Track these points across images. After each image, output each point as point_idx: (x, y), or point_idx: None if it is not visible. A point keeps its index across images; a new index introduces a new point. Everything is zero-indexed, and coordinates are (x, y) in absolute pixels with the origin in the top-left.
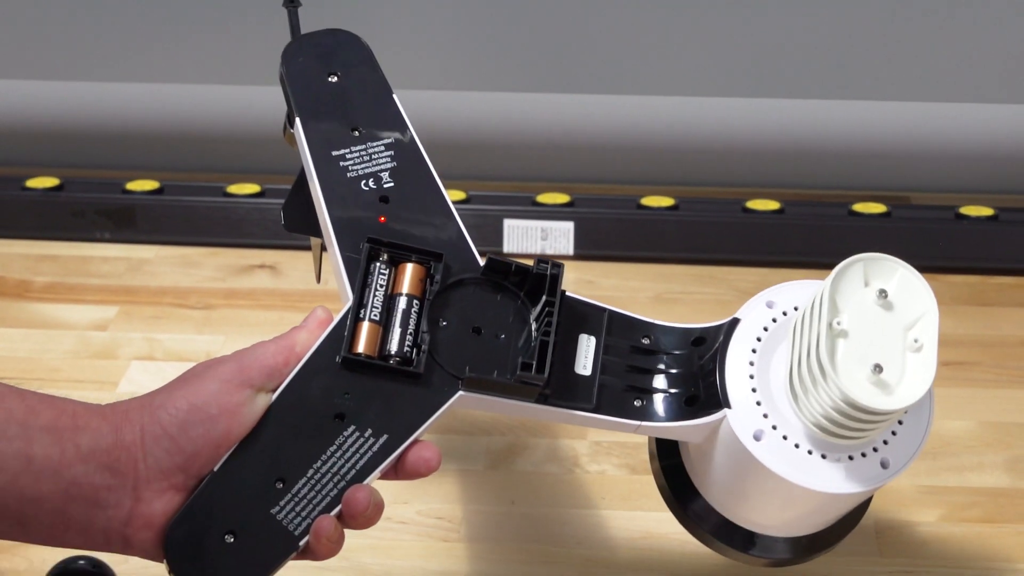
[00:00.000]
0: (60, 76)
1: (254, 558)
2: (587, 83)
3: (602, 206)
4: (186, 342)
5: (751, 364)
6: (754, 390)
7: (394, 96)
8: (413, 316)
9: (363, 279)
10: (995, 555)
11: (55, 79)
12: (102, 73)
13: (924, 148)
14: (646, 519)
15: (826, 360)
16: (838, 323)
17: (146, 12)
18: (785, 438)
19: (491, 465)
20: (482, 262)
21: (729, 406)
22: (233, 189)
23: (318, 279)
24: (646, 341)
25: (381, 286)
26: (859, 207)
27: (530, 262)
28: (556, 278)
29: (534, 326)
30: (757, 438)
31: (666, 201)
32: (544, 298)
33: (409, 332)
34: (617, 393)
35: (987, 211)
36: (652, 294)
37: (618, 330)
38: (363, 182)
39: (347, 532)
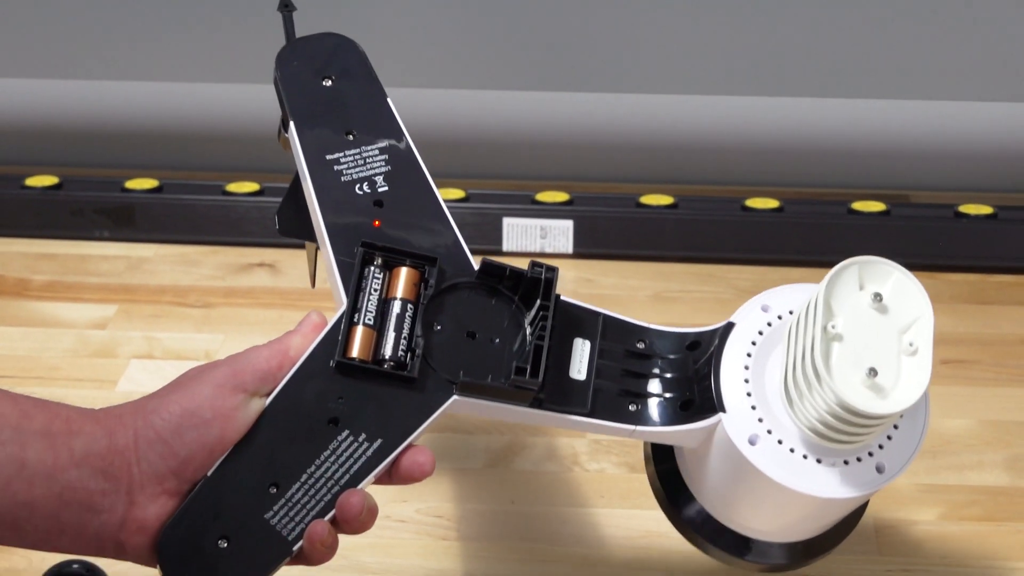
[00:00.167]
0: (59, 75)
1: (248, 563)
2: (586, 81)
3: (601, 204)
4: (185, 341)
5: (746, 368)
6: (749, 394)
7: (388, 100)
8: (407, 320)
9: (357, 283)
10: (994, 554)
11: (54, 78)
12: (101, 72)
13: (923, 146)
14: (645, 518)
15: (821, 364)
16: (833, 327)
17: (145, 11)
18: (780, 442)
19: (490, 464)
20: (477, 265)
21: (724, 410)
22: (232, 188)
23: (313, 283)
24: (641, 345)
25: (375, 290)
26: (858, 205)
27: (525, 265)
28: (550, 282)
29: (529, 330)
30: (752, 442)
31: (665, 199)
32: (539, 302)
33: (403, 336)
34: (612, 397)
35: (986, 209)
36: (651, 292)
37: (613, 334)
38: (357, 186)
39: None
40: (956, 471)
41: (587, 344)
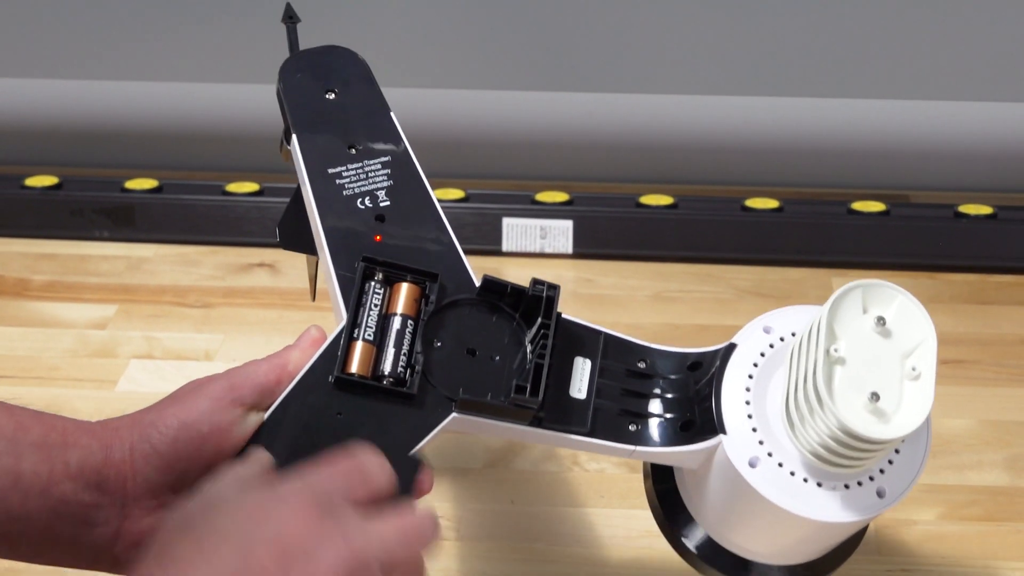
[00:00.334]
0: (59, 75)
1: None
2: (586, 81)
3: (601, 204)
4: (185, 341)
5: (747, 390)
6: (750, 416)
7: (391, 113)
8: (407, 336)
9: (357, 298)
10: (994, 553)
11: (54, 78)
12: (101, 72)
13: (923, 146)
14: (645, 518)
15: (823, 387)
16: (835, 350)
17: (145, 10)
18: (781, 465)
19: (490, 464)
20: (478, 282)
21: (725, 432)
22: (232, 188)
23: (313, 297)
24: (642, 365)
25: (376, 305)
26: (858, 205)
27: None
28: (552, 300)
29: (529, 348)
30: (752, 465)
31: (665, 199)
32: (539, 320)
33: (403, 352)
34: (612, 417)
35: (986, 209)
36: (651, 292)
37: (614, 353)
38: (359, 200)
39: None
40: (956, 471)
41: (588, 363)
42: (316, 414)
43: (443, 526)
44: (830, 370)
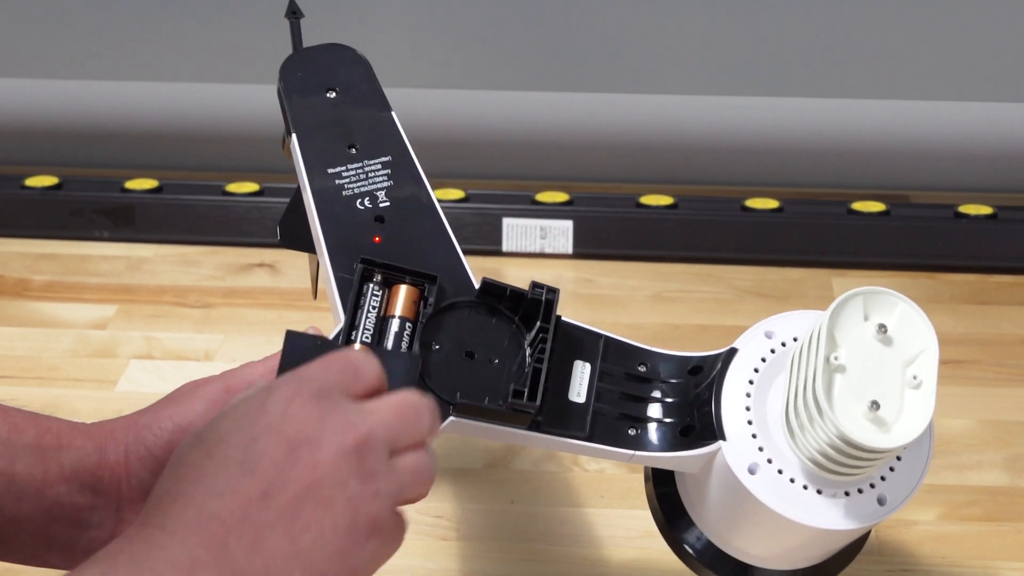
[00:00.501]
0: (59, 75)
1: None
2: (586, 82)
3: (601, 205)
4: (185, 341)
5: (748, 396)
6: (750, 422)
7: (393, 113)
8: (405, 339)
9: (355, 300)
10: (994, 554)
11: (54, 78)
12: (101, 72)
13: (923, 146)
14: (645, 518)
15: (823, 396)
16: (836, 358)
17: (145, 10)
18: (780, 472)
19: (489, 464)
20: (477, 284)
21: (724, 438)
22: (232, 188)
23: (314, 295)
24: (642, 369)
25: (374, 308)
26: (858, 206)
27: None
28: (551, 304)
29: (528, 351)
30: (752, 471)
31: (665, 200)
32: (539, 323)
33: None
34: (611, 421)
35: (986, 210)
36: (651, 292)
37: (614, 357)
38: (359, 201)
39: None
40: (956, 471)
41: (587, 367)
42: None
43: (444, 526)
44: (830, 378)
